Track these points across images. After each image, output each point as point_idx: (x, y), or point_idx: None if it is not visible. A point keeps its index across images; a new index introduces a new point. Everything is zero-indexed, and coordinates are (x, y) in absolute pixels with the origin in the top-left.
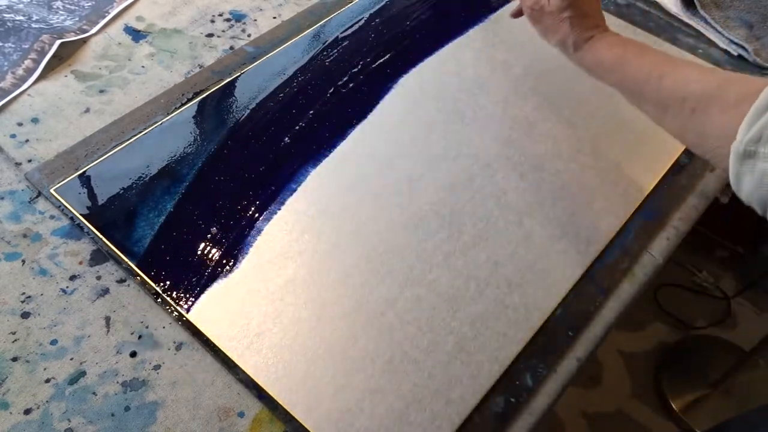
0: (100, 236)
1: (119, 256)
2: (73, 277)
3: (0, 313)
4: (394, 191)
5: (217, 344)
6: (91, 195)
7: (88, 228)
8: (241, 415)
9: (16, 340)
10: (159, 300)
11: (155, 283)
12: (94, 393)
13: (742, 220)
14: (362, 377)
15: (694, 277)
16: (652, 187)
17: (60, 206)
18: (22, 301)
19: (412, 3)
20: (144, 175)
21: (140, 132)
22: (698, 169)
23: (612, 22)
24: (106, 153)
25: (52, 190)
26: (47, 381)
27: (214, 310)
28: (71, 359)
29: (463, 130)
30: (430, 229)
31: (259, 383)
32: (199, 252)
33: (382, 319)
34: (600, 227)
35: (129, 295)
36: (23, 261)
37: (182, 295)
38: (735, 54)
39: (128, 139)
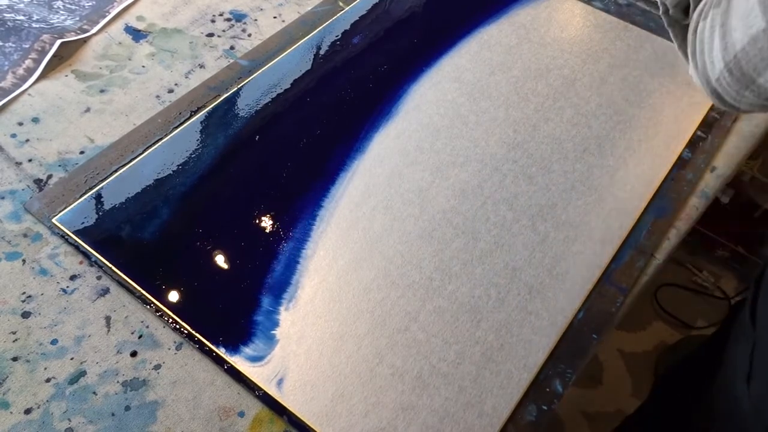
0: (109, 265)
1: (132, 285)
2: (73, 277)
3: (0, 313)
4: (406, 201)
5: (243, 371)
6: (95, 222)
7: (96, 257)
8: (241, 414)
9: (16, 340)
10: (186, 335)
11: (175, 315)
12: (94, 392)
13: (742, 220)
14: (393, 395)
15: (694, 277)
16: (659, 184)
17: (63, 235)
18: (23, 301)
19: (404, 9)
20: (148, 197)
21: (140, 154)
22: (701, 164)
23: (612, 21)
24: (107, 177)
25: (54, 220)
26: (48, 380)
27: (236, 336)
28: (71, 359)
29: (468, 136)
30: (446, 238)
31: (288, 407)
32: (211, 276)
33: (406, 334)
34: (613, 226)
35: (129, 294)
36: (24, 261)
37: (205, 328)
38: None
39: (128, 162)
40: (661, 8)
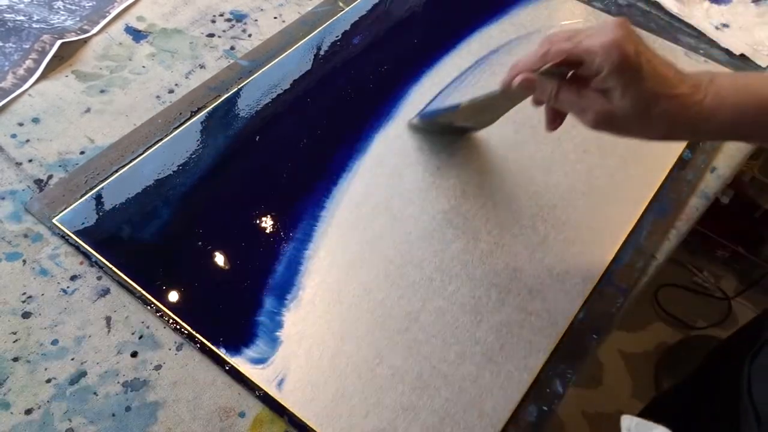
0: (110, 265)
1: (133, 286)
2: (73, 277)
3: (1, 313)
4: (406, 201)
5: (243, 372)
6: (95, 222)
7: (96, 258)
8: (242, 415)
9: (17, 341)
10: (187, 336)
11: (176, 315)
12: (95, 393)
13: (743, 220)
14: (393, 395)
15: (695, 277)
16: (659, 185)
17: (63, 236)
18: (23, 301)
19: (404, 9)
20: (148, 198)
21: (140, 154)
22: (701, 164)
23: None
24: (107, 178)
25: (54, 221)
26: (48, 381)
27: (237, 337)
28: (72, 359)
29: (468, 136)
30: (446, 238)
31: (289, 407)
32: (212, 276)
33: (406, 335)
34: (613, 227)
35: (130, 295)
36: (24, 261)
37: (205, 329)
38: (737, 53)
39: (129, 162)
40: None
